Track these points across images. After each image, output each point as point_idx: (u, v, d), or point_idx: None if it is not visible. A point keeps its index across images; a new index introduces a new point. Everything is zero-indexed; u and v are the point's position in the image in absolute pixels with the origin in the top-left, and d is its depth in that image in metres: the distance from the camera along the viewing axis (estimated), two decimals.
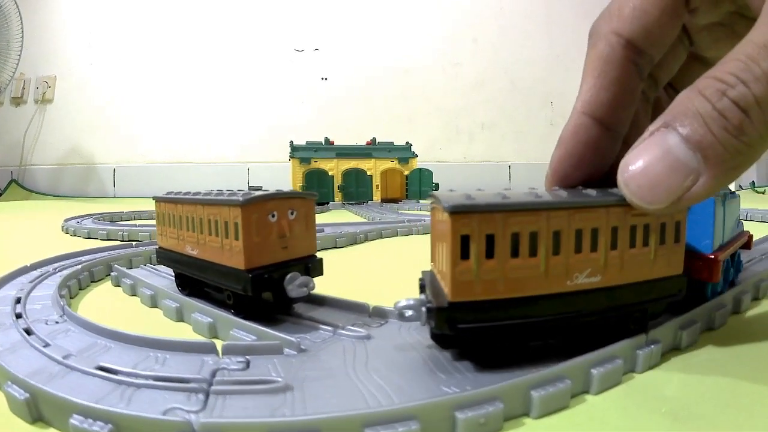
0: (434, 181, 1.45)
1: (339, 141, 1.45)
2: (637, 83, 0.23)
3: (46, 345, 0.24)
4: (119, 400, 0.19)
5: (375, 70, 1.88)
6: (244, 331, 0.27)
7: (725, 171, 0.18)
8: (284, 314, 0.31)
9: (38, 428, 0.19)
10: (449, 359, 0.23)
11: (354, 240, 0.68)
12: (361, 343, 0.26)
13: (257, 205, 0.28)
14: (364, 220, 0.96)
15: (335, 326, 0.28)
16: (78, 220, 0.85)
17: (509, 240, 0.21)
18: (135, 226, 0.71)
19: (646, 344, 0.24)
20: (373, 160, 1.43)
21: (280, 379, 0.20)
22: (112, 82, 1.85)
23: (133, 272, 0.40)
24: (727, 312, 0.30)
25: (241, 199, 0.27)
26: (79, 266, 0.40)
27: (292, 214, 0.30)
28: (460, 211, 0.20)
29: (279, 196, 0.29)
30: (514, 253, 0.21)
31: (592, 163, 0.23)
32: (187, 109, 1.84)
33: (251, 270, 0.28)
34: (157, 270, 0.42)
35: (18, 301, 0.31)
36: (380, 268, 0.54)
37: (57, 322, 0.28)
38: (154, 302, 0.35)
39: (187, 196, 0.32)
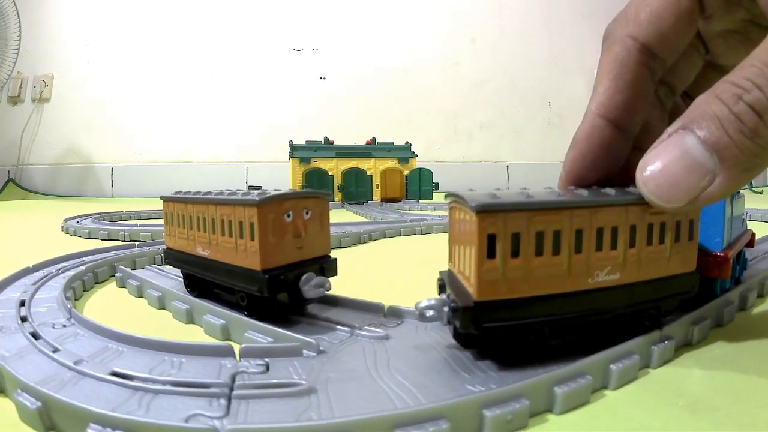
0: (434, 181, 1.44)
1: (338, 141, 1.44)
2: (650, 86, 0.23)
3: (56, 350, 0.23)
4: (137, 407, 0.18)
5: (374, 69, 1.87)
6: (259, 333, 0.26)
7: (740, 172, 0.19)
8: (299, 315, 0.30)
9: None
10: (470, 358, 0.23)
11: (358, 240, 0.67)
12: (380, 343, 0.25)
13: (273, 205, 0.27)
14: (366, 220, 0.95)
15: (352, 327, 0.27)
16: (78, 220, 0.84)
17: (534, 239, 0.21)
18: (136, 225, 0.69)
19: (660, 340, 0.24)
20: (372, 159, 1.42)
21: (303, 382, 0.20)
22: (109, 81, 1.83)
23: (138, 273, 0.39)
24: (734, 309, 0.30)
25: (257, 198, 0.27)
26: (83, 267, 0.39)
27: (307, 213, 0.30)
28: (487, 210, 0.20)
29: (294, 196, 0.29)
30: (538, 251, 0.21)
31: (605, 164, 0.24)
32: (186, 109, 1.82)
33: (267, 271, 0.27)
34: (162, 271, 0.41)
35: (22, 303, 0.30)
36: (387, 268, 0.53)
37: (65, 326, 0.27)
38: (162, 304, 0.34)
39: (197, 196, 0.32)
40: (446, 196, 0.24)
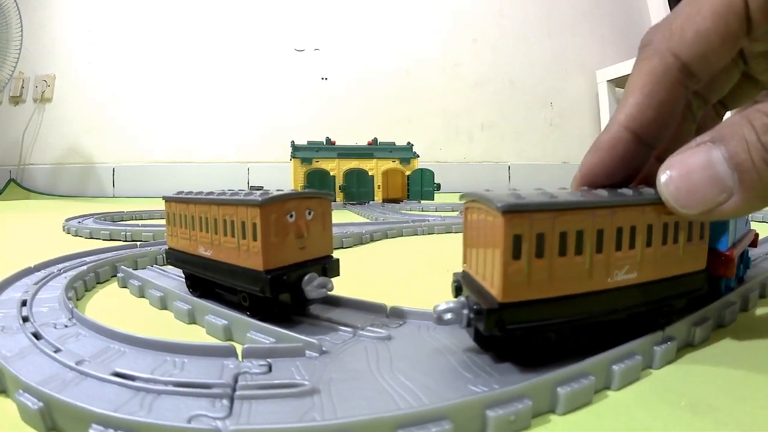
0: (435, 182, 1.44)
1: (339, 141, 1.44)
2: (682, 105, 0.23)
3: (57, 350, 0.23)
4: (139, 407, 0.18)
5: (375, 70, 1.87)
6: (262, 334, 0.26)
7: (756, 197, 0.20)
8: (301, 316, 0.30)
9: None
10: (473, 358, 0.23)
11: (360, 240, 0.67)
12: (382, 343, 0.25)
13: (276, 205, 0.27)
14: (368, 221, 0.95)
15: (355, 327, 0.27)
16: (79, 220, 0.84)
17: (558, 239, 0.21)
18: (138, 226, 0.69)
19: (663, 341, 0.24)
20: (374, 160, 1.42)
21: (306, 383, 0.20)
22: (111, 81, 1.83)
23: (140, 273, 0.39)
24: (736, 309, 0.30)
25: (260, 198, 0.26)
26: (85, 267, 0.39)
27: (309, 214, 0.29)
28: (513, 211, 0.20)
29: (297, 196, 0.29)
30: (562, 252, 0.21)
31: (621, 173, 0.24)
32: (187, 109, 1.82)
33: (270, 271, 0.27)
34: (164, 271, 0.41)
35: (24, 303, 0.30)
36: (389, 268, 0.53)
37: (66, 326, 0.27)
38: (164, 304, 0.34)
39: (199, 196, 0.32)
40: (461, 197, 0.24)
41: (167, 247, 0.36)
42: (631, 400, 0.21)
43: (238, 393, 0.19)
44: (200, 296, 0.33)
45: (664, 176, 0.21)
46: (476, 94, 1.95)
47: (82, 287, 0.37)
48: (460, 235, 0.25)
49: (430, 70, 1.91)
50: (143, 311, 0.34)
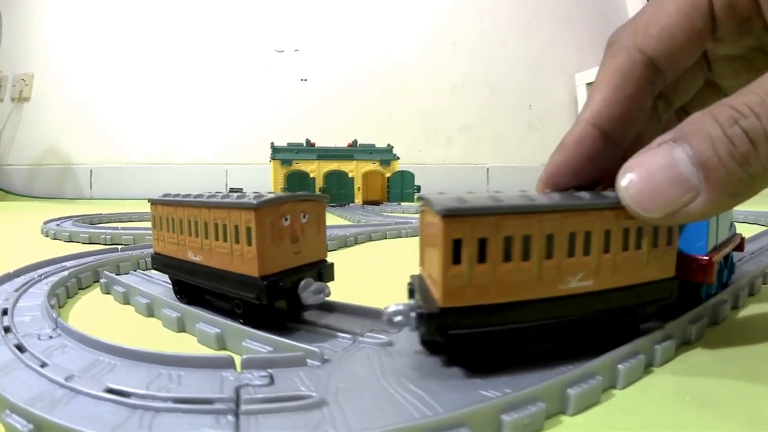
0: (416, 184, 1.44)
1: (319, 143, 1.43)
2: (648, 102, 0.23)
3: (44, 364, 0.21)
4: (138, 427, 0.17)
5: (355, 71, 1.86)
6: (258, 342, 0.25)
7: (724, 195, 0.19)
8: (296, 322, 0.29)
9: None
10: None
11: (344, 243, 0.67)
12: (384, 349, 0.25)
13: (271, 208, 0.26)
14: (350, 223, 0.94)
15: (354, 333, 0.26)
16: (58, 222, 0.81)
17: (502, 244, 0.20)
18: (117, 229, 0.67)
19: (663, 339, 0.24)
20: (354, 162, 1.41)
21: (314, 394, 0.19)
22: (90, 81, 1.77)
23: (123, 279, 0.38)
24: (728, 307, 0.31)
25: (254, 201, 0.26)
26: (66, 273, 0.37)
27: (304, 217, 0.29)
28: (452, 215, 0.19)
29: (292, 199, 0.28)
30: (507, 257, 0.21)
31: (588, 173, 0.23)
32: (166, 110, 1.78)
33: (265, 277, 0.26)
34: (149, 276, 0.40)
35: (4, 312, 0.28)
36: (376, 271, 0.53)
37: (51, 337, 0.25)
38: (151, 311, 0.33)
39: (189, 199, 0.30)
40: (417, 199, 0.23)
41: (153, 252, 0.35)
42: (638, 397, 0.21)
43: (243, 408, 0.18)
44: (188, 303, 0.32)
45: (623, 179, 0.20)
46: (456, 96, 1.96)
47: (64, 294, 0.35)
48: None
49: (410, 72, 1.91)
50: (129, 319, 0.33)
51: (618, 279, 0.22)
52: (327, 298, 0.29)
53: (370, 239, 0.73)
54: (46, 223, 0.79)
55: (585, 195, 0.22)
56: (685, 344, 0.26)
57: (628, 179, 0.20)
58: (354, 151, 1.43)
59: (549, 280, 0.21)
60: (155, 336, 0.30)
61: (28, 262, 0.40)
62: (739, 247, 0.35)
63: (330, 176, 1.39)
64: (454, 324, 0.20)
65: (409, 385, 0.21)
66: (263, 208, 0.26)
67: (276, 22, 1.81)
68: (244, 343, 0.26)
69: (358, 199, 1.40)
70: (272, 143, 1.38)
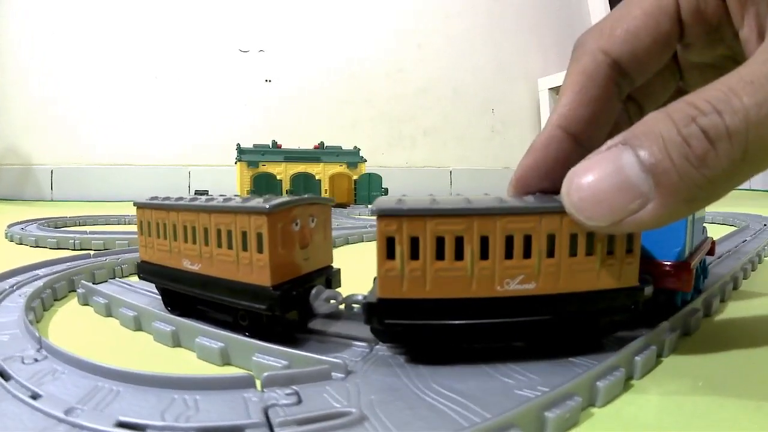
0: (383, 186, 1.44)
1: (284, 144, 1.41)
2: (615, 104, 0.23)
3: (35, 395, 0.19)
4: None
5: (320, 73, 1.84)
6: (271, 357, 0.23)
7: (677, 202, 0.17)
8: (303, 332, 0.27)
9: None
10: (500, 361, 0.23)
11: None
12: (403, 356, 0.24)
13: (283, 213, 0.25)
14: None
15: (368, 341, 0.25)
16: (22, 226, 0.76)
17: (434, 243, 0.22)
18: (86, 233, 0.63)
19: (671, 330, 0.26)
20: (321, 164, 1.40)
21: (353, 410, 0.18)
22: (51, 79, 1.66)
23: (102, 288, 0.35)
24: (717, 301, 0.33)
25: (266, 206, 0.24)
26: (40, 283, 0.34)
27: (312, 221, 0.27)
28: (385, 215, 0.21)
29: (302, 202, 0.26)
30: (439, 256, 0.22)
31: (558, 175, 0.22)
32: (128, 109, 1.69)
33: (277, 286, 0.24)
34: (130, 285, 0.37)
35: None
36: (360, 275, 0.51)
37: (36, 360, 0.22)
38: (138, 325, 0.30)
39: (185, 203, 0.28)
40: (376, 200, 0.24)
41: (140, 260, 0.32)
42: (655, 385, 0.22)
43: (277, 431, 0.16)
44: (180, 315, 0.30)
45: (567, 185, 0.20)
46: (420, 99, 1.97)
47: (40, 307, 0.32)
48: None
49: (374, 74, 1.90)
50: (115, 334, 0.30)
51: (565, 285, 0.22)
52: None
53: (348, 243, 0.72)
54: (9, 226, 0.74)
55: (530, 199, 0.22)
56: (685, 335, 0.28)
57: (571, 186, 0.19)
58: (321, 153, 1.41)
59: (485, 281, 0.22)
60: (148, 353, 0.27)
61: None
62: (711, 252, 0.34)
63: (297, 178, 1.37)
64: (391, 315, 0.22)
65: (444, 391, 0.20)
66: (276, 212, 0.24)
67: (241, 22, 1.76)
68: (254, 358, 0.24)
69: None
70: (238, 145, 1.34)
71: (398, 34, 1.92)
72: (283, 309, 0.24)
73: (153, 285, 0.32)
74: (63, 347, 0.23)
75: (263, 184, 1.31)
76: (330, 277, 0.29)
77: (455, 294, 0.22)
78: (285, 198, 0.25)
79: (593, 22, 2.18)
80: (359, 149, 1.46)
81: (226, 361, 0.25)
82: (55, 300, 0.35)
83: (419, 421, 0.17)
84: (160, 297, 0.32)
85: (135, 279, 0.37)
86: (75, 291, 0.37)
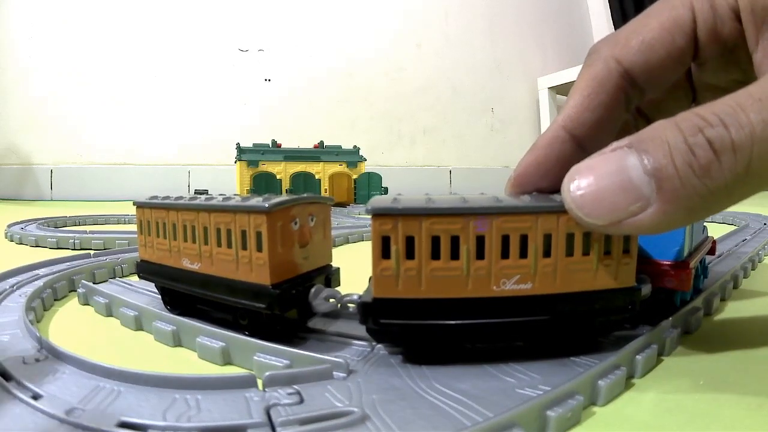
0: (383, 185, 1.44)
1: (283, 144, 1.41)
2: (621, 113, 0.23)
3: (36, 396, 0.19)
4: None
5: (319, 72, 1.84)
6: (272, 356, 0.23)
7: (677, 209, 0.17)
8: (303, 331, 0.27)
9: None
10: (501, 360, 0.23)
11: None
12: (405, 355, 0.24)
13: (282, 212, 0.25)
14: None
15: (369, 340, 0.25)
16: (22, 225, 0.76)
17: (429, 243, 0.21)
18: (85, 233, 0.63)
19: (672, 327, 0.26)
20: (321, 163, 1.40)
21: (355, 409, 0.18)
22: (51, 78, 1.66)
23: (103, 288, 0.35)
24: (718, 299, 0.33)
25: (266, 204, 0.24)
26: (40, 282, 0.34)
27: (312, 220, 0.27)
28: (381, 214, 0.21)
29: (301, 201, 0.26)
30: (435, 255, 0.22)
31: (558, 175, 0.22)
32: (128, 108, 1.69)
33: (277, 285, 0.24)
34: (130, 284, 0.37)
35: None
36: (361, 274, 0.51)
37: (38, 360, 0.22)
38: (139, 324, 0.30)
39: (184, 202, 0.28)
40: (371, 199, 0.24)
41: (139, 259, 0.32)
42: (656, 384, 0.22)
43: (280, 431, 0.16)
44: (180, 314, 0.30)
45: (568, 181, 0.20)
46: (419, 98, 1.97)
47: (40, 307, 0.32)
48: None
49: (374, 73, 1.90)
50: (116, 334, 0.30)
51: (562, 285, 0.22)
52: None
53: (348, 242, 0.72)
54: (9, 226, 0.74)
55: (526, 198, 0.22)
56: (685, 334, 0.28)
57: (573, 182, 0.19)
58: (321, 153, 1.41)
59: (481, 281, 0.22)
60: (149, 353, 0.27)
61: None
62: (711, 251, 0.34)
63: (297, 178, 1.37)
64: (386, 314, 0.22)
65: (446, 390, 0.20)
66: (275, 211, 0.24)
67: (240, 21, 1.76)
68: (255, 358, 0.24)
69: None
70: (238, 144, 1.34)
71: (398, 33, 1.92)
72: (282, 308, 0.24)
73: (153, 284, 0.32)
74: (64, 347, 0.23)
75: (263, 183, 1.31)
76: (329, 276, 0.29)
77: (451, 294, 0.22)
78: (284, 197, 0.25)
79: (593, 21, 2.19)
80: (359, 148, 1.46)
81: (227, 361, 0.25)
82: (55, 300, 0.35)
83: (421, 420, 0.17)
84: (160, 296, 0.32)
85: (135, 279, 0.37)
86: (75, 291, 0.37)
